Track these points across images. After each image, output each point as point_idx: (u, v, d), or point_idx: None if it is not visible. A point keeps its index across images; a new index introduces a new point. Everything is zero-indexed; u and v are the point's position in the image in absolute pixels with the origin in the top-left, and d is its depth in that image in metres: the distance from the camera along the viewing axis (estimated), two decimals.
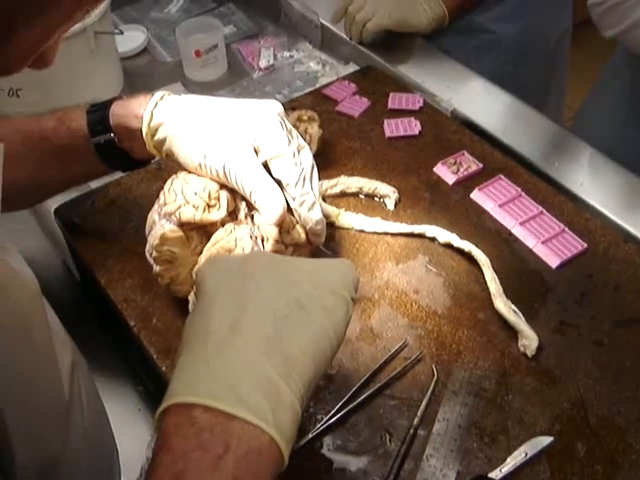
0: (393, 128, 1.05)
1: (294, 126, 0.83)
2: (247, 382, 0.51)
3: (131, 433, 0.81)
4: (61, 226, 0.94)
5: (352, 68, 1.29)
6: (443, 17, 1.25)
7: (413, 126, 1.05)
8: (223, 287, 0.57)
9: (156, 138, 0.79)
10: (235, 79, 1.34)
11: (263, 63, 1.35)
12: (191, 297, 0.77)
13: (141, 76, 1.36)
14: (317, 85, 1.27)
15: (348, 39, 1.29)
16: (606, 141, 1.09)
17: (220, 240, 0.75)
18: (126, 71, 1.33)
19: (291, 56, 1.38)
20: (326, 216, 0.84)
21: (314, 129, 0.97)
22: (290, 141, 0.78)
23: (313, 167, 0.80)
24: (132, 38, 1.41)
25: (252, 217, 0.78)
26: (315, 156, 0.82)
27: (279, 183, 0.77)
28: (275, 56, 1.37)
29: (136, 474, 0.76)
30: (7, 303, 0.48)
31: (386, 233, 0.90)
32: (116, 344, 0.90)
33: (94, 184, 0.97)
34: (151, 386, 0.85)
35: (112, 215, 0.94)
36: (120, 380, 0.86)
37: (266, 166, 0.77)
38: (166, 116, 0.79)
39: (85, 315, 0.94)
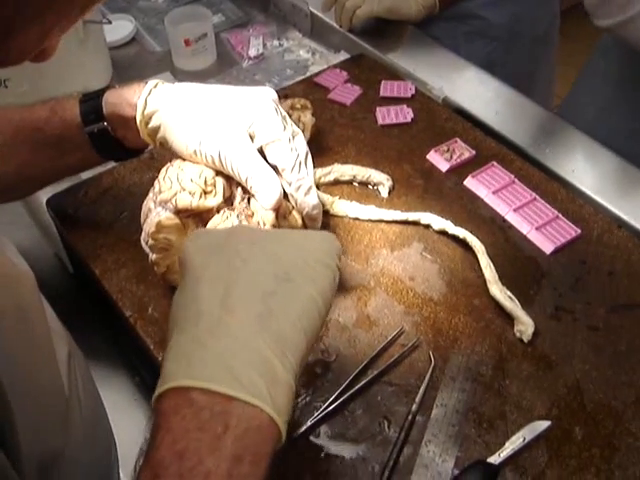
0: (386, 116, 1.05)
1: (287, 114, 0.82)
2: (242, 362, 0.51)
3: (128, 423, 0.81)
4: (53, 217, 0.94)
5: (342, 56, 1.28)
6: (433, 5, 1.25)
7: (405, 114, 1.05)
8: (209, 264, 0.57)
9: (150, 126, 0.79)
10: (225, 68, 1.33)
11: (252, 52, 1.34)
12: None
13: (130, 66, 1.35)
14: (307, 74, 1.27)
15: (338, 27, 1.28)
16: (592, 121, 1.09)
17: (217, 226, 0.75)
18: (115, 61, 1.32)
19: (281, 45, 1.37)
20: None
21: (307, 117, 0.97)
22: (285, 127, 0.78)
23: (307, 154, 0.80)
24: (120, 27, 1.39)
25: (248, 202, 0.78)
26: (308, 144, 0.82)
27: (275, 169, 0.77)
28: (264, 45, 1.37)
29: (134, 464, 0.76)
30: (7, 296, 0.48)
31: (381, 220, 0.90)
32: (111, 334, 0.90)
33: (86, 175, 0.96)
34: (147, 376, 0.85)
35: (105, 205, 0.93)
36: (116, 370, 0.86)
37: (261, 152, 0.77)
38: (160, 103, 0.78)
39: (79, 306, 0.93)
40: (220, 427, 0.48)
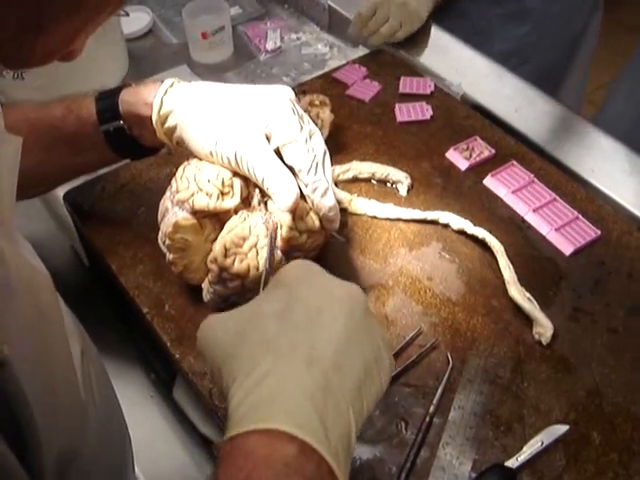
0: (405, 113, 1.04)
1: (305, 111, 0.82)
2: (339, 429, 0.49)
3: (143, 420, 0.81)
4: (70, 211, 0.93)
5: (361, 51, 1.27)
6: None
7: (425, 111, 1.04)
8: (327, 309, 0.54)
9: (166, 126, 0.78)
10: (242, 61, 1.33)
11: (270, 45, 1.34)
12: (205, 285, 0.77)
13: (146, 58, 1.34)
14: (325, 68, 1.26)
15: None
16: (630, 121, 1.07)
17: (234, 228, 0.74)
18: (131, 53, 1.32)
19: (298, 38, 1.36)
20: (338, 202, 0.83)
21: (326, 114, 0.96)
22: (302, 127, 0.77)
23: (325, 153, 0.79)
24: (137, 19, 1.39)
25: (265, 204, 0.77)
26: (326, 141, 0.81)
27: (292, 170, 0.76)
28: (282, 38, 1.36)
29: (149, 460, 0.76)
30: (27, 301, 0.48)
31: (399, 219, 0.90)
32: (126, 330, 0.90)
33: (103, 170, 0.95)
34: (163, 373, 0.85)
35: (122, 200, 0.93)
36: (131, 367, 0.86)
37: (278, 153, 0.76)
38: (176, 103, 0.78)
39: (95, 301, 0.93)
40: None
